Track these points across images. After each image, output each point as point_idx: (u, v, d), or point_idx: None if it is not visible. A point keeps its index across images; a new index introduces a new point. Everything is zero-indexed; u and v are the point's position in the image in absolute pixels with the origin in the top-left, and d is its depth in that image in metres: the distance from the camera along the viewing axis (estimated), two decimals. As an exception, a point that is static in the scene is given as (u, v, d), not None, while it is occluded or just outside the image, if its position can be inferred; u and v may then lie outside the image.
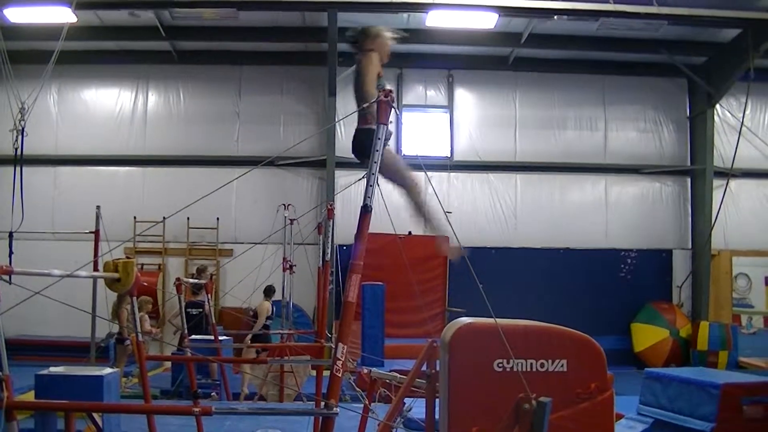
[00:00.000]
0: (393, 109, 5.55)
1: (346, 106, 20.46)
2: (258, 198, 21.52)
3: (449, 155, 22.65)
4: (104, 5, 19.32)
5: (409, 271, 15.96)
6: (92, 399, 7.09)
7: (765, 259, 22.85)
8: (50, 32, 16.97)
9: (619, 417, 9.68)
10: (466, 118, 22.93)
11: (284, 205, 18.22)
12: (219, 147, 21.95)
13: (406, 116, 22.79)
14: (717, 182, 22.21)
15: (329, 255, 12.70)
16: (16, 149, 12.38)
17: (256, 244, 15.25)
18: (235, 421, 11.76)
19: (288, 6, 19.90)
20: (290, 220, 16.82)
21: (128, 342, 14.74)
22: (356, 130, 6.92)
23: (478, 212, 22.43)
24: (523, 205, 22.69)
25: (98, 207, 13.14)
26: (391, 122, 5.58)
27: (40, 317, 17.21)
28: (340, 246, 18.33)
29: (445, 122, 22.97)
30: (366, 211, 5.42)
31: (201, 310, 15.91)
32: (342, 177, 20.93)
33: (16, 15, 18.69)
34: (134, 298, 8.10)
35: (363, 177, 5.50)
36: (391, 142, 19.52)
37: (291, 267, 17.11)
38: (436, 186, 20.56)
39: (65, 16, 17.04)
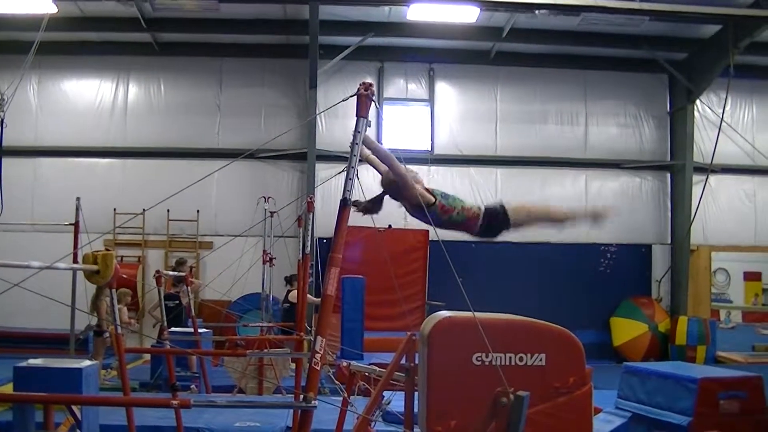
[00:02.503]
0: (373, 103, 5.56)
1: (327, 98, 20.50)
2: (238, 190, 21.44)
3: (430, 149, 22.66)
4: (85, -4, 19.30)
5: (389, 265, 15.99)
6: (71, 391, 7.08)
7: (744, 254, 23.02)
8: (30, 23, 16.91)
9: (598, 411, 9.72)
10: (447, 111, 22.94)
11: (264, 197, 18.20)
12: (200, 139, 21.89)
13: (387, 110, 22.78)
14: (697, 178, 22.28)
15: (309, 248, 12.72)
16: (-5, 140, 12.36)
17: (236, 236, 15.22)
18: (214, 414, 11.76)
19: (269, -2, 19.89)
20: (270, 212, 16.81)
21: (107, 334, 14.71)
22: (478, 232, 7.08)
23: (459, 206, 22.38)
24: (503, 198, 22.62)
25: (78, 198, 13.13)
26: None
27: (18, 309, 17.18)
28: (320, 239, 18.34)
29: (425, 116, 22.95)
30: (345, 204, 5.43)
31: (178, 302, 15.91)
32: (322, 170, 20.91)
33: (-5, 5, 18.63)
34: (113, 291, 8.08)
35: (343, 170, 5.50)
36: (372, 137, 19.56)
37: (271, 260, 17.08)
38: (416, 180, 20.77)
39: (46, 6, 16.98)
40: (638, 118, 23.36)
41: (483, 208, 6.90)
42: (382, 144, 5.66)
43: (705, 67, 21.54)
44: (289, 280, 18.02)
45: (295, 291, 16.47)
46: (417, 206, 6.73)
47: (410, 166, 6.75)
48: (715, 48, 20.99)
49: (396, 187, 6.73)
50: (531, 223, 7.18)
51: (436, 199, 6.81)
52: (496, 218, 6.89)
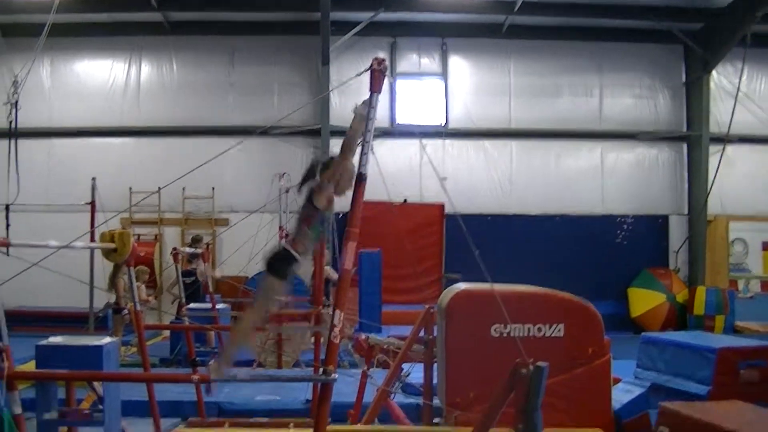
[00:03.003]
0: (386, 78, 5.55)
1: (340, 74, 20.45)
2: (253, 167, 21.43)
3: (444, 123, 22.57)
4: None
5: (405, 238, 16.01)
6: (92, 368, 7.11)
7: (761, 224, 22.89)
8: (42, 5, 16.94)
9: (616, 381, 9.72)
10: (460, 85, 22.85)
11: (279, 174, 18.20)
12: (213, 117, 21.87)
13: (400, 84, 22.70)
14: (713, 148, 22.20)
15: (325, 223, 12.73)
16: (10, 122, 12.41)
17: (251, 212, 15.22)
18: (234, 388, 11.82)
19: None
20: (286, 188, 16.82)
21: (125, 312, 14.76)
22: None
23: (474, 179, 22.37)
24: (518, 172, 22.65)
25: (93, 178, 13.15)
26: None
27: (38, 288, 17.21)
28: (337, 214, 18.38)
29: (439, 90, 22.87)
30: (361, 179, 5.44)
31: (195, 278, 15.96)
32: (337, 146, 20.69)
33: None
34: (131, 268, 8.13)
35: (357, 145, 5.50)
36: (386, 112, 19.34)
37: (287, 235, 17.09)
38: (431, 154, 20.80)
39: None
40: (653, 90, 23.22)
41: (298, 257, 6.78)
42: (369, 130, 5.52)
43: (721, 37, 21.38)
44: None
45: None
46: (309, 194, 6.58)
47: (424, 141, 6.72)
48: (730, 17, 20.83)
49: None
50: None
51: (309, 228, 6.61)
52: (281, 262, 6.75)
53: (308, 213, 6.66)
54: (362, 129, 6.13)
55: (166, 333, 17.40)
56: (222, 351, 7.44)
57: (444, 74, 22.82)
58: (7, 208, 12.62)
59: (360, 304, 17.27)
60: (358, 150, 5.52)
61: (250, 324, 6.95)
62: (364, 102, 5.84)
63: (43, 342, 7.41)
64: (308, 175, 6.69)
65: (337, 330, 5.28)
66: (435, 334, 8.56)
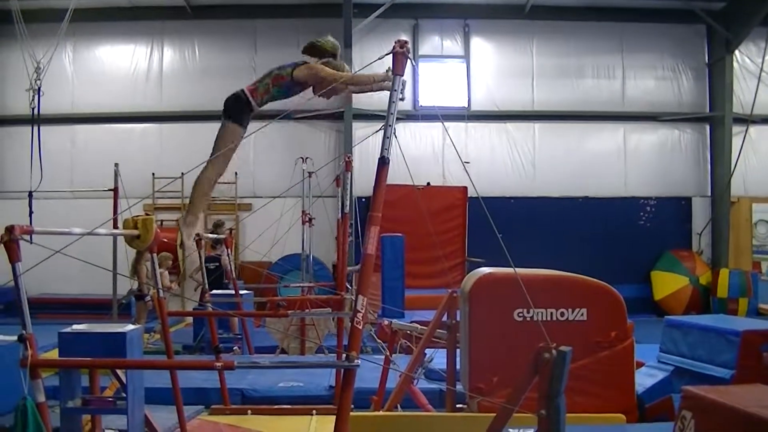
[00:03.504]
0: (409, 61, 5.53)
1: (362, 57, 20.43)
2: (276, 152, 21.43)
3: (467, 105, 22.53)
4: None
5: (428, 222, 15.98)
6: (115, 356, 7.12)
7: (785, 205, 22.78)
8: (63, -10, 16.96)
9: (640, 365, 9.69)
10: (483, 67, 22.78)
11: (302, 158, 18.21)
12: (235, 101, 21.83)
13: (423, 67, 22.65)
14: (736, 129, 22.08)
15: (348, 207, 12.73)
16: (33, 109, 12.43)
17: (274, 197, 15.21)
18: (257, 375, 11.84)
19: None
20: (308, 173, 16.82)
21: (148, 298, 14.81)
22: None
23: (497, 162, 22.35)
24: (541, 154, 22.60)
25: (116, 164, 13.19)
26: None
27: (61, 276, 17.29)
28: (359, 198, 18.40)
29: (461, 72, 22.83)
30: (383, 162, 5.41)
31: (218, 264, 15.99)
32: (359, 129, 20.93)
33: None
34: (154, 255, 8.14)
35: (380, 129, 5.48)
36: (408, 94, 19.23)
37: (310, 220, 17.14)
38: (453, 136, 20.79)
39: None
40: (676, 70, 23.10)
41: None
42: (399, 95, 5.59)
43: (743, 16, 21.24)
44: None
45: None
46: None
47: (447, 123, 6.76)
48: (753, -4, 20.70)
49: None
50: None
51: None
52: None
53: (283, 75, 6.89)
54: (371, 86, 6.30)
55: (190, 320, 17.47)
56: (188, 207, 7.48)
57: (466, 56, 22.77)
58: (30, 195, 12.66)
59: (383, 289, 17.26)
60: (380, 133, 5.48)
61: (212, 176, 7.07)
62: (388, 70, 5.89)
63: (66, 329, 7.42)
64: (314, 50, 6.99)
65: (360, 315, 5.27)
66: (458, 318, 8.55)
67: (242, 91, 7.11)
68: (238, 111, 7.02)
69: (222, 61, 22.22)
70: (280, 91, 7.23)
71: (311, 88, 7.17)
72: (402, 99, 5.63)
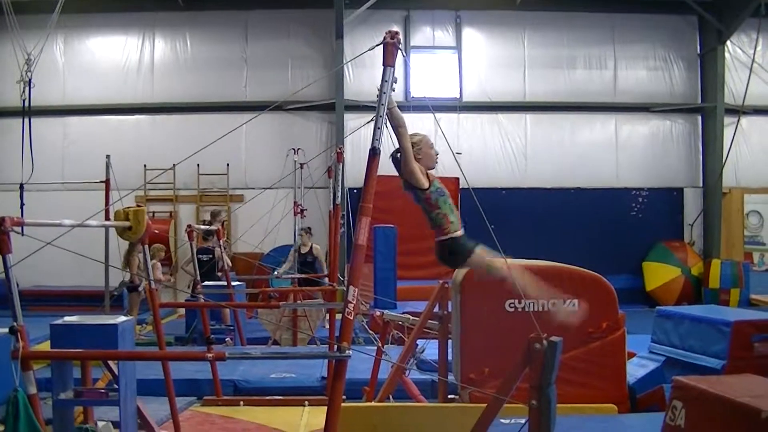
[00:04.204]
0: (400, 51, 5.54)
1: (353, 48, 20.43)
2: (268, 143, 21.42)
3: (458, 96, 22.49)
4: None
5: (420, 213, 15.97)
6: (107, 347, 7.11)
7: (777, 196, 22.83)
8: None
9: (631, 355, 9.72)
10: (474, 58, 22.75)
11: (294, 149, 18.20)
12: (227, 93, 21.85)
13: (414, 58, 22.61)
14: (728, 120, 22.09)
15: (339, 198, 12.73)
16: (24, 100, 12.40)
17: (266, 189, 15.23)
18: (250, 366, 11.85)
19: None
20: (300, 164, 16.82)
21: (141, 290, 14.80)
22: (435, 243, 7.04)
23: (488, 153, 22.34)
24: (533, 145, 22.58)
25: (108, 156, 13.15)
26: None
27: (52, 268, 17.30)
28: (351, 189, 18.39)
29: (453, 63, 22.79)
30: (374, 153, 5.42)
31: (212, 256, 15.97)
32: (351, 120, 20.92)
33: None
34: (145, 246, 8.13)
35: (371, 120, 5.49)
36: (400, 85, 19.35)
37: (302, 211, 17.14)
38: (445, 127, 20.74)
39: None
40: (668, 61, 23.10)
41: (458, 233, 6.83)
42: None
43: (735, 7, 21.24)
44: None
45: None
46: (408, 184, 6.70)
47: (438, 114, 6.70)
48: (745, -13, 20.71)
49: (398, 158, 6.68)
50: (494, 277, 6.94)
51: (429, 188, 6.70)
52: (457, 250, 6.82)
53: (420, 197, 6.74)
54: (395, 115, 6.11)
55: (182, 311, 17.44)
56: None
57: (458, 47, 22.72)
58: (21, 187, 12.63)
59: (375, 280, 17.26)
60: (372, 124, 5.48)
61: None
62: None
63: (58, 321, 7.41)
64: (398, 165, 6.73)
65: (351, 306, 5.27)
66: (450, 309, 8.56)
67: (452, 241, 6.87)
68: (465, 254, 6.89)
69: (213, 52, 22.18)
70: (440, 201, 6.99)
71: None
72: (393, 88, 5.63)
